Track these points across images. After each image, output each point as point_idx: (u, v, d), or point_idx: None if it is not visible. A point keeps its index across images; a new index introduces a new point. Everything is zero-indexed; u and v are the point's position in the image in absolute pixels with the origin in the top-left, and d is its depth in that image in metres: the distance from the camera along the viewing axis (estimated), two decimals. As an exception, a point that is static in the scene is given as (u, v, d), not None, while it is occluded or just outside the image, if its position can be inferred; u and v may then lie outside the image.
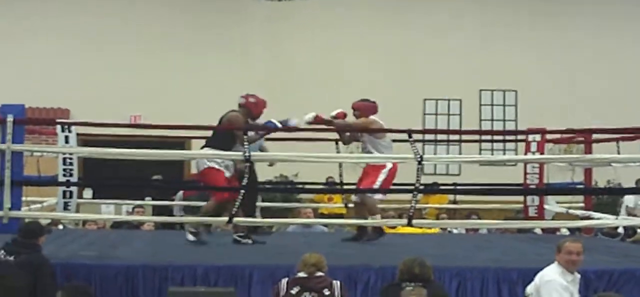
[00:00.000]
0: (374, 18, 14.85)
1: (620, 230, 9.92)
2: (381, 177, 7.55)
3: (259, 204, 9.14)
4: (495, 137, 12.86)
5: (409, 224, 6.99)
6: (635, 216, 8.72)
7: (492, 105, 15.01)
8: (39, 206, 8.17)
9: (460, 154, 12.72)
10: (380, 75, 14.41)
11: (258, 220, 8.01)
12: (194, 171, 8.14)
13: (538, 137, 8.60)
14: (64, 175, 7.15)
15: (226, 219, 7.03)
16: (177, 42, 14.52)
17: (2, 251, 5.66)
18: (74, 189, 7.34)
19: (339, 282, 5.31)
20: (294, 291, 5.20)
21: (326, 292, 5.21)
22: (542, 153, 8.59)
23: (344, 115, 7.78)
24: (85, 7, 14.50)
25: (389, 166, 7.56)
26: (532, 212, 8.84)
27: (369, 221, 7.61)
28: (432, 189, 11.69)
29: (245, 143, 6.88)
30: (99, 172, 11.60)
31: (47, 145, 9.38)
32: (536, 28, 14.88)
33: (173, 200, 10.83)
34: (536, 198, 8.79)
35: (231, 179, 7.55)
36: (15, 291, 4.75)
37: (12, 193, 6.64)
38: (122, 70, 14.28)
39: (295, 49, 14.76)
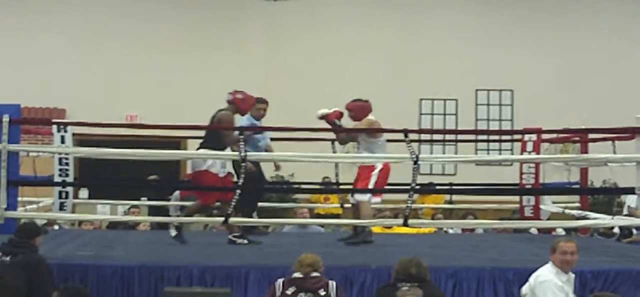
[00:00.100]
0: (371, 18, 14.84)
1: (616, 230, 9.94)
2: (372, 179, 7.54)
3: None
4: (492, 137, 12.86)
5: (405, 224, 6.98)
6: (638, 216, 8.72)
7: (488, 105, 15.01)
8: (35, 206, 8.16)
9: (456, 154, 12.71)
10: (377, 75, 14.41)
11: (254, 220, 8.01)
12: (190, 171, 8.15)
13: (534, 137, 8.61)
14: (60, 175, 7.15)
15: (221, 219, 7.03)
16: (174, 41, 14.50)
17: (-1, 252, 5.66)
18: (69, 189, 7.33)
19: (335, 283, 5.31)
20: (289, 292, 5.21)
21: (322, 292, 5.21)
22: (538, 153, 8.60)
23: (340, 114, 7.76)
24: (82, 6, 14.47)
25: (379, 166, 7.55)
26: (528, 212, 8.86)
27: (364, 221, 7.59)
28: (428, 189, 11.68)
29: (242, 142, 6.87)
30: (95, 173, 11.60)
31: (43, 145, 9.38)
32: (532, 28, 14.89)
33: (169, 200, 10.83)
34: (532, 198, 8.80)
35: (225, 179, 7.55)
36: (12, 291, 4.74)
37: (8, 193, 6.62)
38: (118, 70, 14.26)
39: (293, 48, 14.74)
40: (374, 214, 7.86)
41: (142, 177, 11.19)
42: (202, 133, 7.73)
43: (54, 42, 14.24)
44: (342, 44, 14.61)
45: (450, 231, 10.29)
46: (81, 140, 8.99)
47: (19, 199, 7.08)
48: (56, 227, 9.60)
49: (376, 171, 7.56)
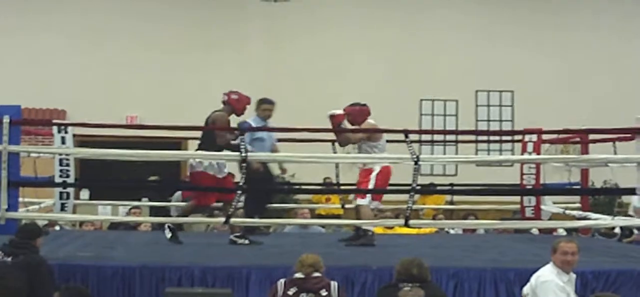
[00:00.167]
0: (371, 19, 14.85)
1: (617, 230, 9.93)
2: (371, 182, 7.54)
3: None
4: (492, 138, 12.87)
5: (406, 225, 6.98)
6: (640, 216, 8.73)
7: (488, 105, 15.02)
8: (36, 207, 8.15)
9: (457, 154, 12.72)
10: (377, 76, 14.42)
11: (255, 220, 8.00)
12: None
13: (534, 137, 8.60)
14: (61, 176, 7.16)
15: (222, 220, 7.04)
16: (174, 41, 14.51)
17: (0, 252, 5.66)
18: (70, 190, 7.34)
19: (336, 283, 5.31)
20: (291, 292, 5.20)
21: (323, 293, 5.20)
22: (538, 153, 8.59)
23: (342, 117, 7.75)
24: (82, 6, 14.48)
25: (377, 169, 7.55)
26: (529, 212, 8.84)
27: (365, 222, 7.58)
28: (429, 190, 11.68)
29: (241, 143, 6.87)
30: (95, 173, 11.60)
31: (43, 146, 9.38)
32: (532, 28, 14.90)
33: (170, 201, 10.82)
34: (533, 198, 8.79)
35: (225, 180, 7.54)
36: (13, 292, 4.73)
37: (9, 194, 6.61)
38: (118, 71, 14.27)
39: (293, 49, 14.75)
40: (375, 215, 7.83)
41: (143, 178, 11.18)
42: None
43: (54, 43, 14.25)
44: (342, 44, 14.62)
45: (451, 232, 10.30)
46: (82, 141, 8.98)
47: (20, 200, 7.08)
48: (57, 228, 9.59)
49: (374, 174, 7.56)
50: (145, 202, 10.62)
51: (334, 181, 9.19)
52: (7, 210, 6.59)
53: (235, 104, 7.66)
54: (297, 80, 14.30)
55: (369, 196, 7.58)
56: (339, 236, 8.66)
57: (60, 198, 7.30)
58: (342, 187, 9.24)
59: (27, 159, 7.68)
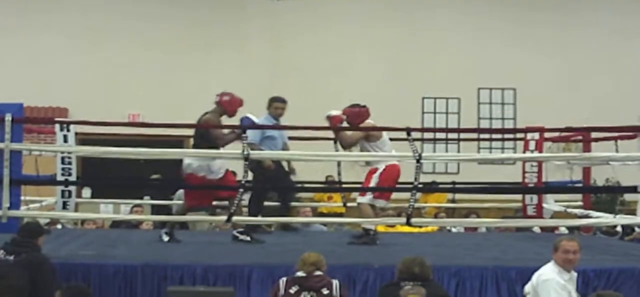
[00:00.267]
0: (373, 17, 14.85)
1: (619, 228, 9.93)
2: (373, 181, 7.52)
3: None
4: (494, 136, 12.87)
5: (408, 223, 6.98)
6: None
7: (490, 103, 15.00)
8: (37, 205, 8.16)
9: (458, 152, 12.71)
10: (379, 74, 14.42)
11: (257, 219, 8.00)
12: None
13: (536, 135, 8.60)
14: (63, 174, 7.16)
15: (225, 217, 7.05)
16: (174, 41, 14.51)
17: (2, 251, 5.66)
18: (72, 188, 7.34)
19: (337, 282, 5.30)
20: (292, 291, 5.20)
21: (325, 291, 5.20)
22: (540, 151, 8.59)
23: (340, 119, 7.73)
24: (82, 6, 14.49)
25: (381, 168, 7.53)
26: (530, 210, 8.84)
27: (367, 219, 7.58)
28: (430, 188, 11.69)
29: (246, 142, 6.87)
30: (97, 172, 11.60)
31: (45, 145, 9.39)
32: (534, 26, 14.89)
33: (172, 199, 10.82)
34: (535, 197, 8.79)
35: (224, 180, 7.52)
36: (15, 290, 4.73)
37: (11, 192, 6.62)
38: (121, 69, 14.28)
39: (294, 48, 14.74)
40: (377, 214, 7.83)
41: (145, 176, 11.18)
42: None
43: (55, 42, 14.25)
44: (344, 43, 14.61)
45: (453, 230, 10.29)
46: (83, 140, 8.98)
47: (22, 198, 7.09)
48: (59, 226, 9.59)
49: (377, 174, 7.54)
50: (147, 201, 10.62)
51: (336, 179, 9.18)
52: (9, 208, 6.61)
53: (226, 105, 7.61)
54: (298, 79, 14.28)
55: (369, 194, 7.57)
56: (341, 234, 8.66)
57: (62, 196, 7.30)
58: (344, 186, 9.23)
59: (29, 157, 7.70)
